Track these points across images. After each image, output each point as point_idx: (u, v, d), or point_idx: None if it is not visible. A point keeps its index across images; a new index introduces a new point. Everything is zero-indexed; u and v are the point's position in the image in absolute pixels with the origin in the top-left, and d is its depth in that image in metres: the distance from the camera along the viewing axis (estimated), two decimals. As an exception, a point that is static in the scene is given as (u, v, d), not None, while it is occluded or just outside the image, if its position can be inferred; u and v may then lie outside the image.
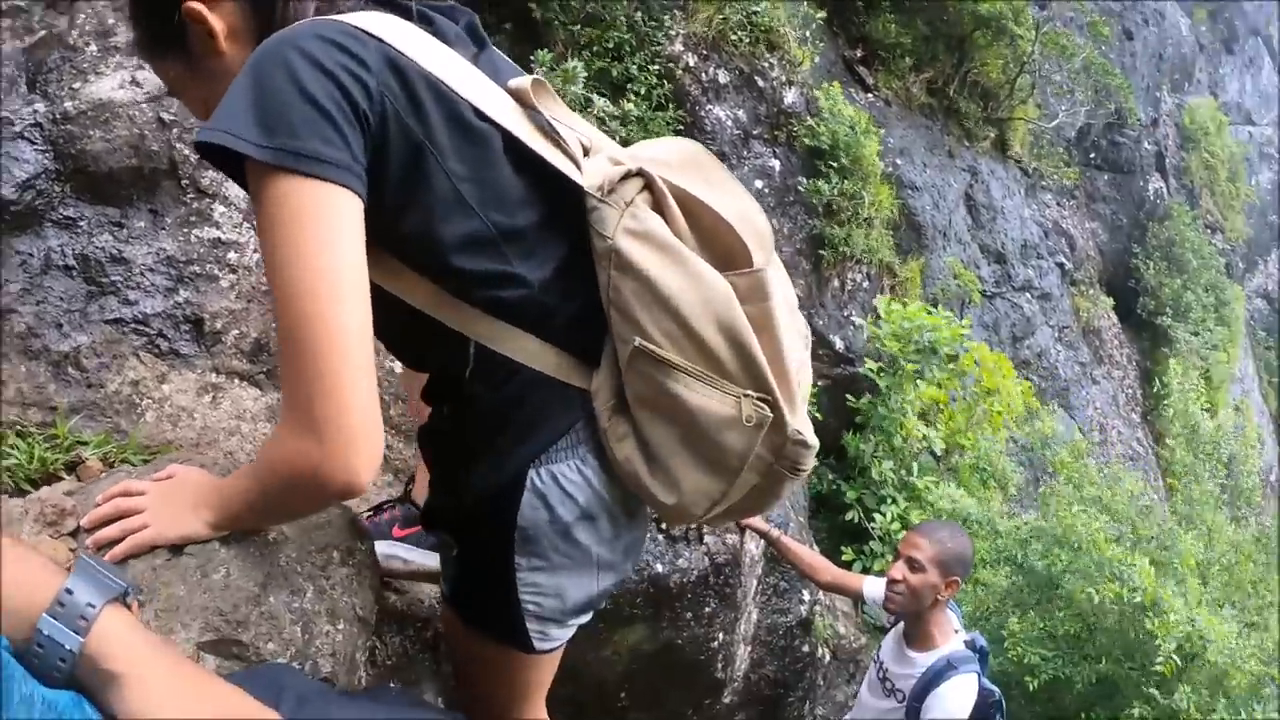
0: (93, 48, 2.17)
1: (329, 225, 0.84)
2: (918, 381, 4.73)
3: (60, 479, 1.87)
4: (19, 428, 1.87)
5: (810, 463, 1.06)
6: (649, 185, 1.00)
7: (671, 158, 1.06)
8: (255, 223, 0.87)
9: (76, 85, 2.08)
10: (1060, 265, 7.97)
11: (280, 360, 0.89)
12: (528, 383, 1.03)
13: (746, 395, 0.97)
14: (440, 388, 1.12)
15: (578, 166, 1.01)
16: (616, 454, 1.05)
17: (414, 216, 0.94)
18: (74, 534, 1.18)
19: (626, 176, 1.00)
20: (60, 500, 1.24)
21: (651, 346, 0.96)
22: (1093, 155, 9.19)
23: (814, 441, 1.05)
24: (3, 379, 1.89)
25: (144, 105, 2.00)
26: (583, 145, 1.05)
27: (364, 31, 0.90)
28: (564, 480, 1.06)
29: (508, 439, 1.05)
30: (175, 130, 1.99)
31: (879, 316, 4.75)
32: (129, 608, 0.78)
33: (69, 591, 0.69)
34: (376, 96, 0.88)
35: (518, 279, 0.99)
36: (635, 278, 0.96)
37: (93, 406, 1.91)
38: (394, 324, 1.02)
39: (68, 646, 0.67)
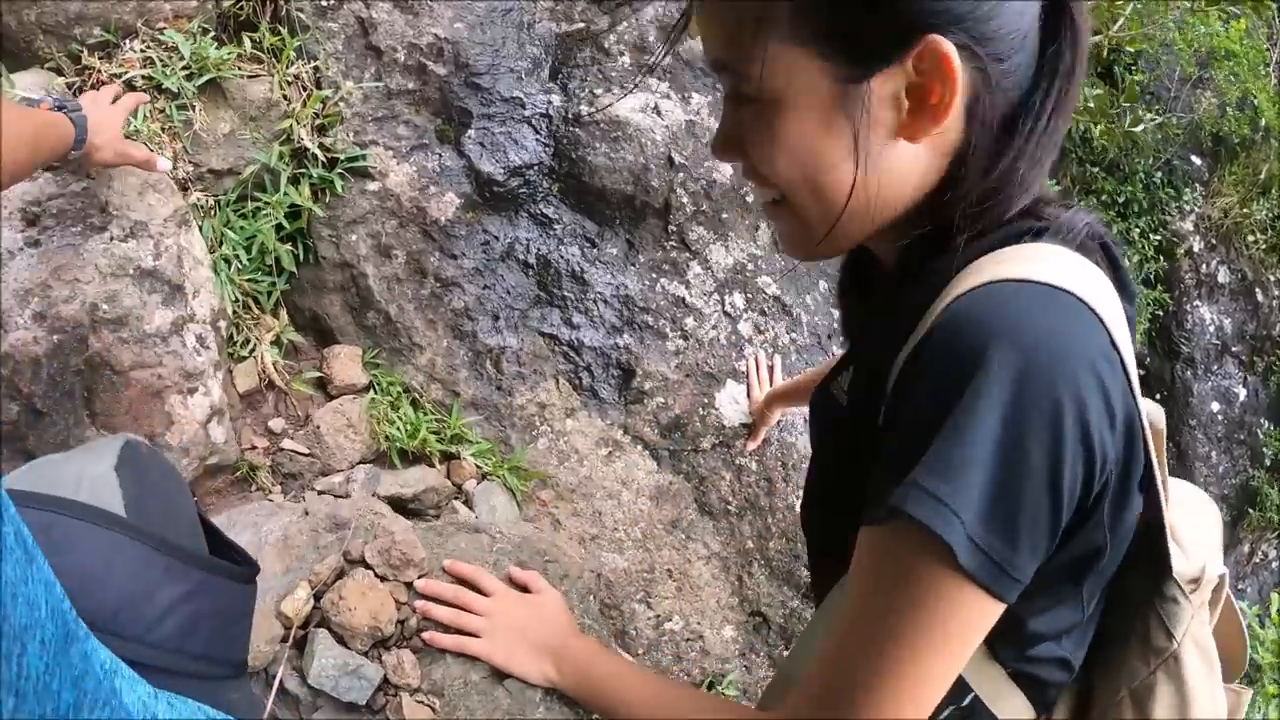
0: (625, 59, 2.13)
1: (972, 641, 0.71)
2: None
3: (432, 466, 1.83)
4: (415, 396, 1.84)
5: None
6: (1218, 588, 0.90)
7: (1203, 519, 0.97)
8: (874, 567, 0.72)
9: (598, 91, 2.05)
10: None
11: (836, 701, 0.75)
12: None
13: None
14: None
15: None
16: None
17: (1029, 606, 0.77)
18: (409, 585, 1.17)
19: (1211, 578, 0.88)
20: (411, 547, 1.20)
21: None
22: None
23: None
24: (423, 344, 1.88)
25: (658, 138, 1.92)
26: None
27: (1115, 348, 0.70)
28: None
29: None
30: (681, 175, 1.89)
31: (1268, 610, 4.00)
32: None
33: None
34: (1099, 481, 0.70)
35: (1066, 665, 0.86)
36: (1178, 688, 0.87)
37: (491, 410, 1.85)
38: None
39: None
